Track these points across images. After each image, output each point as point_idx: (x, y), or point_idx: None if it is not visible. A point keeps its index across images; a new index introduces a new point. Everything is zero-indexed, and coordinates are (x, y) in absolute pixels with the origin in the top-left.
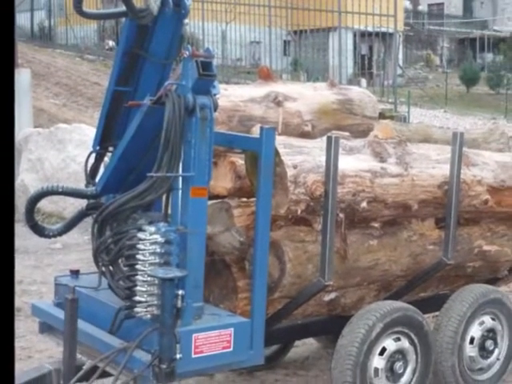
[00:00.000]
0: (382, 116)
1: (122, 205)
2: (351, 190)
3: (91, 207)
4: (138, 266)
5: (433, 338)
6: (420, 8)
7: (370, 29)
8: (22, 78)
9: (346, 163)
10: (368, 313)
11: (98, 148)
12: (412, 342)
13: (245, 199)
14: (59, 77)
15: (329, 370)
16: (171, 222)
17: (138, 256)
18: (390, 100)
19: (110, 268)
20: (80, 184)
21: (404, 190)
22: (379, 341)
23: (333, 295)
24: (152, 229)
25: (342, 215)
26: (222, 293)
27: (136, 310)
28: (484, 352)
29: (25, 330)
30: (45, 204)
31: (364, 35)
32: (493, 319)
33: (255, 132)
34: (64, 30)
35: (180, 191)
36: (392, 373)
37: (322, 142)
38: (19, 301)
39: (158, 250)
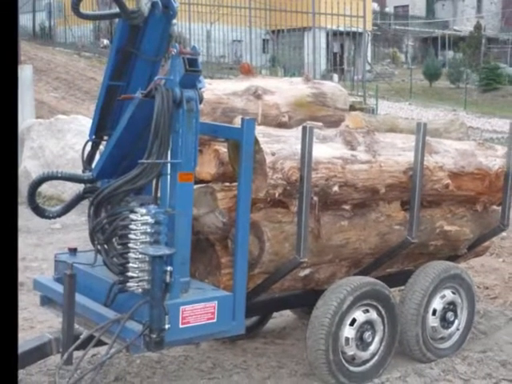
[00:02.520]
0: (352, 108)
1: (115, 189)
2: (324, 175)
3: (88, 191)
4: (130, 245)
5: (399, 310)
6: (387, 9)
7: (341, 29)
8: (25, 73)
9: (320, 151)
10: (339, 287)
11: (93, 137)
12: (380, 314)
13: (227, 184)
14: (58, 72)
15: (304, 339)
16: (160, 205)
17: (131, 235)
18: (360, 93)
19: (105, 246)
20: (78, 170)
21: (372, 176)
22: (350, 312)
23: (307, 271)
24: (143, 210)
25: (315, 198)
26: (207, 269)
27: (128, 284)
28: (445, 323)
29: (27, 303)
30: (45, 188)
31: (336, 34)
32: (453, 293)
33: (237, 122)
34: (63, 30)
35: (168, 176)
36: (361, 342)
37: (297, 132)
38: (22, 276)
39: (149, 230)
